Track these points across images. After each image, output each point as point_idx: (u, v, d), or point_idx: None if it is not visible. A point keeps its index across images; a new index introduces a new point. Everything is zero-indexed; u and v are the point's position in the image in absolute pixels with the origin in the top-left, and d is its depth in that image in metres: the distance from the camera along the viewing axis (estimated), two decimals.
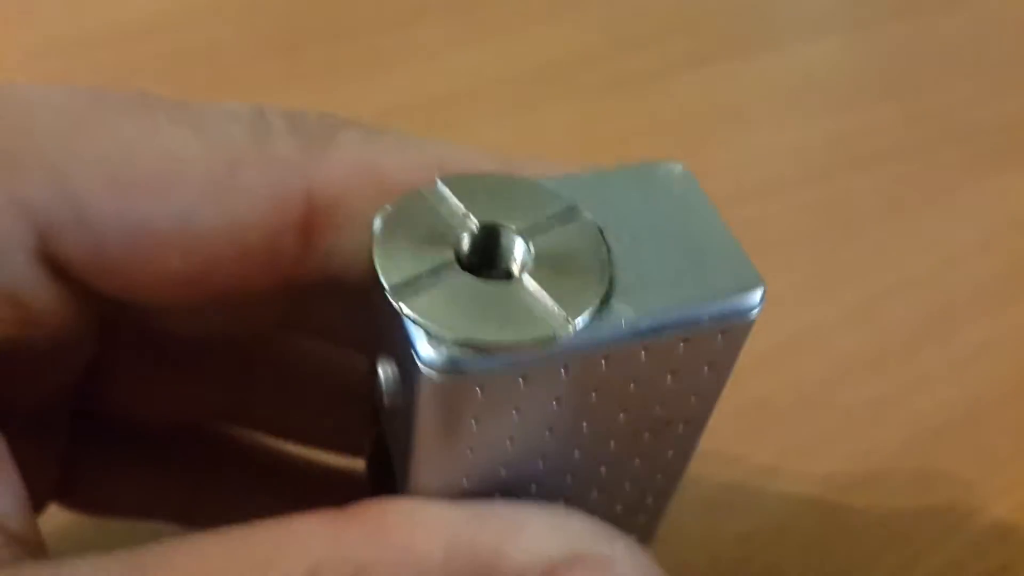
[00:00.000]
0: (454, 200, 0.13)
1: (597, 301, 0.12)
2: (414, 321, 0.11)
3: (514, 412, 0.13)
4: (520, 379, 0.12)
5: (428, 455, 0.13)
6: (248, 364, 0.19)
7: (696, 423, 0.15)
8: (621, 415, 0.14)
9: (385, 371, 0.13)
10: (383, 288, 0.12)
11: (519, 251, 0.13)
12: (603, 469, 0.15)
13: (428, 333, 0.11)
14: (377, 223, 0.13)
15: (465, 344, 0.11)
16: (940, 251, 0.31)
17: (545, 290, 0.12)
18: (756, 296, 0.13)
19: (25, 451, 0.13)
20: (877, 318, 0.28)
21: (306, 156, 0.14)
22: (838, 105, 0.37)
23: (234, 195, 0.13)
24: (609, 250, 0.13)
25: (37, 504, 0.15)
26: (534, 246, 0.12)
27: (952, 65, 0.39)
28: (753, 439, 0.24)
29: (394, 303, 0.12)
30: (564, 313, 0.12)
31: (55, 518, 0.18)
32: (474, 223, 0.13)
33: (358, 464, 0.20)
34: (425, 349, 0.11)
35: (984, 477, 0.24)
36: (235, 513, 0.19)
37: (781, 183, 0.33)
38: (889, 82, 0.38)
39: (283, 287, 0.14)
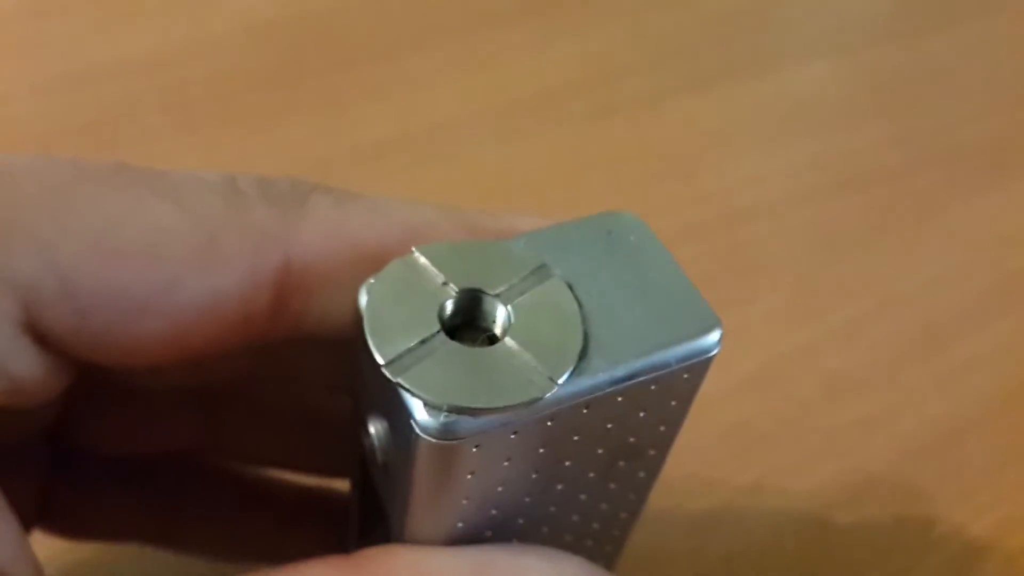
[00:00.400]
0: (432, 269, 0.14)
1: (576, 358, 0.13)
2: (411, 392, 0.12)
3: (505, 463, 0.14)
4: (511, 435, 0.13)
5: (425, 506, 0.14)
6: (219, 405, 0.19)
7: (664, 447, 0.16)
8: (600, 450, 0.15)
9: (376, 429, 0.14)
10: (377, 363, 0.13)
11: (499, 315, 0.14)
12: (583, 496, 0.16)
13: (424, 402, 0.12)
14: (363, 298, 0.13)
15: (459, 411, 0.12)
16: (925, 271, 0.31)
17: (528, 351, 0.13)
18: (715, 337, 0.14)
19: (7, 484, 0.14)
20: (862, 338, 0.29)
21: (281, 224, 0.14)
22: (826, 128, 0.38)
23: (214, 264, 0.14)
24: (581, 306, 0.14)
25: None
26: (512, 309, 0.13)
27: (938, 87, 0.40)
28: (738, 460, 0.25)
29: (392, 378, 0.12)
30: (547, 372, 0.13)
31: (37, 543, 0.19)
32: (454, 290, 0.13)
33: (335, 484, 0.21)
34: (422, 416, 0.12)
35: (965, 495, 0.25)
36: (215, 534, 0.19)
37: (769, 206, 0.34)
38: (876, 105, 0.39)
39: (255, 344, 0.15)
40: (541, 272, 0.14)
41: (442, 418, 0.12)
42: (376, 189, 0.35)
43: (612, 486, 0.17)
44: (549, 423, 0.13)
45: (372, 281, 0.14)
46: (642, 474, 0.17)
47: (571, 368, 0.13)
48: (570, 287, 0.14)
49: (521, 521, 0.15)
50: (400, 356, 0.13)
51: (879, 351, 0.29)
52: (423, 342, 0.13)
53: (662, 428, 0.16)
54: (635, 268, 0.15)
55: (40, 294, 0.13)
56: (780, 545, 0.24)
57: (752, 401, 0.27)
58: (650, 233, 0.15)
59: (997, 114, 0.38)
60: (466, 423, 0.12)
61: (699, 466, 0.24)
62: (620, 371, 0.13)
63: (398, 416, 0.13)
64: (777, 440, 0.26)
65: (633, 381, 0.14)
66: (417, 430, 0.12)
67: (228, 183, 0.14)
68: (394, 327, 0.13)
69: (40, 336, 0.13)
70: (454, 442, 0.12)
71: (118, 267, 0.13)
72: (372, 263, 0.14)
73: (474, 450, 0.13)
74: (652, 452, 0.16)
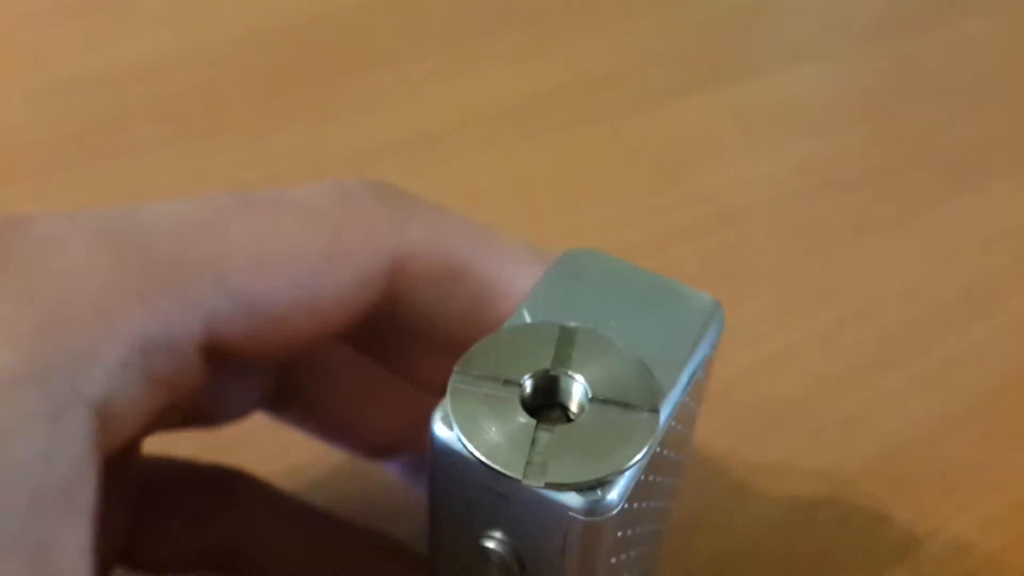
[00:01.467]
0: (488, 372, 0.14)
1: (655, 384, 0.14)
2: (561, 487, 0.13)
3: (635, 505, 0.14)
4: (641, 480, 0.14)
5: None
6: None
7: (689, 448, 0.18)
8: (661, 478, 0.16)
9: (495, 553, 0.15)
10: (513, 480, 0.13)
11: (566, 385, 0.14)
12: (651, 526, 0.17)
13: (577, 490, 0.13)
14: (443, 431, 0.14)
15: (603, 484, 0.13)
16: (907, 272, 0.32)
17: (615, 402, 0.14)
18: (719, 308, 0.16)
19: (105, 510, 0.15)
20: (846, 339, 0.29)
21: (390, 219, 0.16)
22: (810, 132, 0.38)
23: (340, 259, 0.16)
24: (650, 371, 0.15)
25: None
26: (574, 374, 0.14)
27: (922, 90, 0.40)
28: (723, 461, 0.26)
29: (537, 486, 0.13)
30: (645, 407, 0.14)
31: None
32: (522, 382, 0.14)
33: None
34: (578, 502, 0.13)
35: (947, 492, 0.26)
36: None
37: (755, 210, 0.34)
38: (861, 108, 0.40)
39: (364, 331, 0.17)
40: (571, 332, 0.15)
41: (599, 494, 0.13)
42: None
43: (663, 504, 0.18)
44: (657, 449, 0.14)
45: (442, 415, 0.14)
46: (677, 480, 0.18)
47: (658, 396, 0.14)
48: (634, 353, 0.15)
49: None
50: (528, 464, 0.13)
51: (862, 352, 0.29)
52: (533, 443, 0.14)
53: (689, 432, 0.17)
54: (623, 290, 0.16)
55: (218, 314, 0.15)
56: (765, 543, 0.24)
57: (737, 403, 0.27)
58: (614, 259, 0.17)
59: (980, 116, 0.39)
60: (611, 492, 0.13)
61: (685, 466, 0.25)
62: (684, 375, 0.15)
63: (536, 517, 0.13)
64: (763, 439, 0.26)
65: (693, 380, 0.15)
66: (581, 518, 0.13)
67: (338, 189, 0.17)
68: (493, 443, 0.14)
69: (212, 349, 0.15)
70: (608, 516, 0.13)
71: (270, 278, 0.15)
72: (455, 265, 0.17)
73: (624, 508, 0.14)
74: (683, 458, 0.17)
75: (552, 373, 0.14)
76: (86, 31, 0.42)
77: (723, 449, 0.26)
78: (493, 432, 0.14)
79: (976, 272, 0.32)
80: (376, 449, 0.22)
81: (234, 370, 0.17)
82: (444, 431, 0.14)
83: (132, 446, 0.16)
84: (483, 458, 0.13)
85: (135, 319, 0.14)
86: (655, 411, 0.14)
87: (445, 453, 0.14)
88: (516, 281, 0.17)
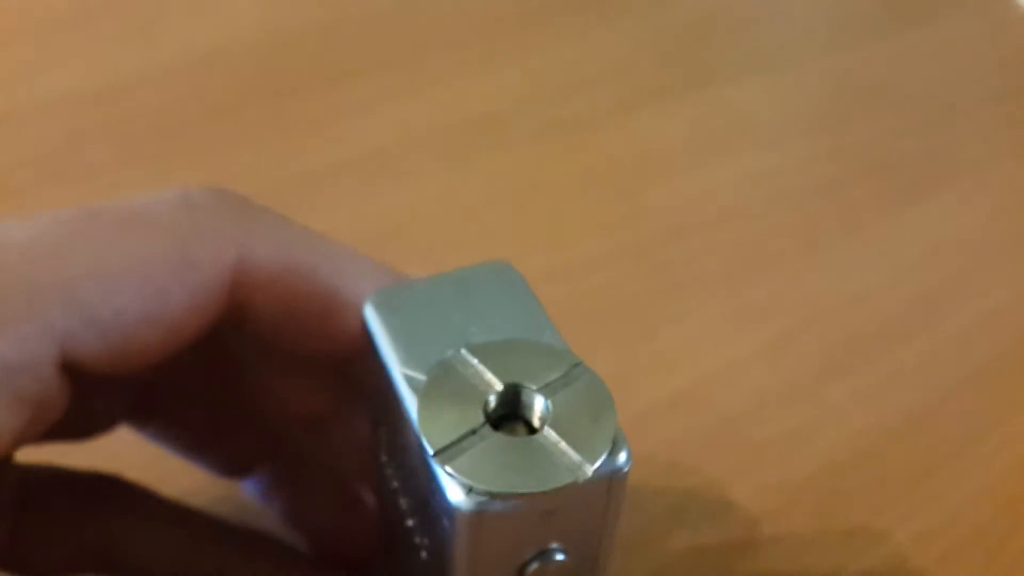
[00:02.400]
0: (480, 365, 0.15)
1: (608, 446, 0.14)
2: (456, 478, 0.13)
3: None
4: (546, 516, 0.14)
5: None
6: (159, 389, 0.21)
7: None
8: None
9: (410, 505, 0.16)
10: (427, 452, 0.14)
11: (538, 406, 0.15)
12: None
13: (469, 488, 0.13)
14: (420, 395, 0.15)
15: (500, 496, 0.13)
16: (852, 284, 0.32)
17: (566, 442, 0.14)
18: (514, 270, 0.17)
19: None
20: (789, 353, 0.30)
21: (235, 226, 0.17)
22: (759, 144, 0.39)
23: (188, 269, 0.16)
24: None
25: None
26: (551, 401, 0.14)
27: (871, 102, 0.41)
28: (663, 479, 0.26)
29: (441, 466, 0.14)
30: (582, 460, 0.14)
31: None
32: (498, 385, 0.15)
33: None
34: (459, 498, 0.13)
35: (885, 506, 0.26)
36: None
37: (703, 224, 0.34)
38: (809, 121, 0.40)
39: (205, 336, 0.18)
40: (578, 369, 0.15)
41: (482, 499, 0.13)
42: (323, 215, 0.35)
43: None
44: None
45: (425, 377, 0.15)
46: None
47: (604, 456, 0.14)
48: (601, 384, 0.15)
49: None
50: (449, 446, 0.14)
51: (805, 366, 0.29)
52: (472, 432, 0.14)
53: None
54: (450, 302, 0.16)
55: (71, 333, 0.15)
56: (704, 561, 0.24)
57: (680, 420, 0.27)
58: (409, 284, 0.17)
59: (926, 127, 0.40)
60: (504, 504, 0.13)
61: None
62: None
63: (438, 499, 0.14)
64: (702, 458, 0.27)
65: None
66: (462, 508, 0.13)
67: (183, 198, 0.17)
68: (443, 420, 0.14)
69: (70, 366, 0.16)
70: (489, 515, 0.13)
71: (118, 294, 0.16)
72: (299, 272, 0.17)
73: (504, 529, 0.14)
74: None
75: (527, 388, 0.15)
76: (38, 55, 0.41)
77: (662, 467, 0.26)
78: (448, 412, 0.14)
79: (921, 284, 0.33)
80: (230, 468, 0.22)
81: (94, 385, 0.17)
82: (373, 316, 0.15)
83: (2, 458, 0.16)
84: (419, 422, 0.14)
85: None
86: (588, 467, 0.14)
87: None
88: (360, 293, 0.17)
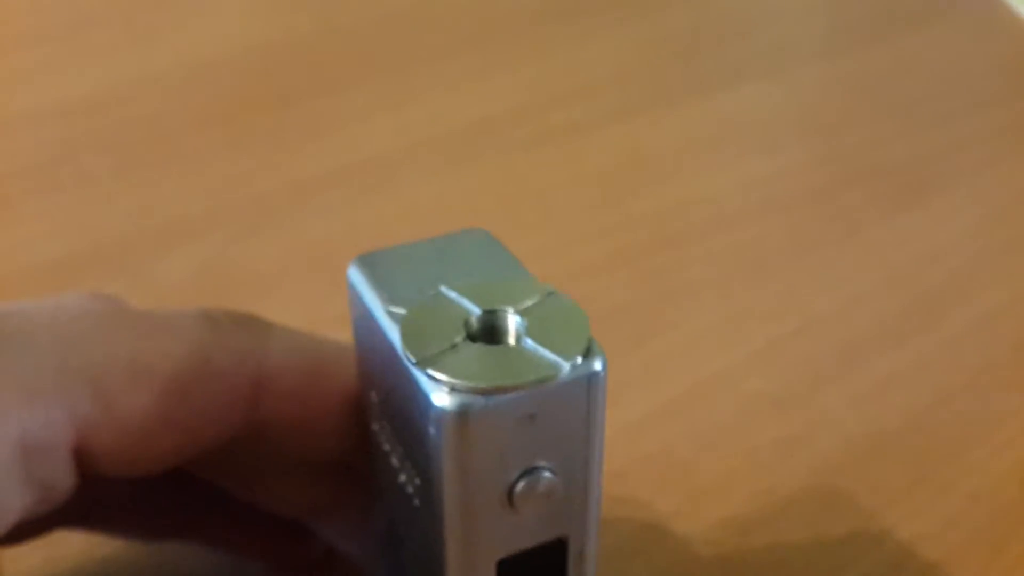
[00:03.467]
0: (459, 298, 0.15)
1: (584, 348, 0.15)
2: (437, 381, 0.14)
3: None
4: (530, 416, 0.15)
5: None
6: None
7: None
8: None
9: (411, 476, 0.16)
10: (410, 362, 0.14)
11: (515, 324, 0.15)
12: None
13: (451, 387, 0.14)
14: (400, 322, 0.15)
15: (481, 391, 0.14)
16: (845, 290, 0.32)
17: (543, 348, 0.15)
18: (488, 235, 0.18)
19: None
20: (782, 359, 0.30)
21: (253, 342, 0.18)
22: (754, 150, 0.39)
23: (211, 379, 0.17)
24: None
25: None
26: (527, 319, 0.15)
27: (864, 107, 0.41)
28: (657, 486, 0.26)
29: (421, 368, 0.14)
30: (559, 359, 0.14)
31: None
32: (477, 310, 0.15)
33: None
34: (443, 399, 0.14)
35: (881, 510, 0.26)
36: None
37: (696, 231, 0.34)
38: (803, 126, 0.40)
39: (228, 445, 0.18)
40: (552, 295, 0.16)
41: (465, 398, 0.14)
42: (316, 223, 0.35)
43: None
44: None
45: (404, 311, 0.15)
46: None
47: (579, 358, 0.14)
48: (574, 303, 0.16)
49: None
50: (431, 357, 0.14)
51: (798, 371, 0.29)
52: (452, 346, 0.14)
53: None
54: (427, 264, 0.17)
55: (93, 422, 0.16)
56: (699, 568, 0.24)
57: (673, 426, 0.27)
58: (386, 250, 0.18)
59: (919, 132, 0.40)
60: (488, 400, 0.14)
61: (618, 493, 0.25)
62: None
63: (423, 409, 0.14)
64: (696, 465, 0.26)
65: None
66: (446, 408, 0.14)
67: (204, 315, 0.18)
68: (425, 337, 0.14)
69: (82, 455, 0.16)
70: (474, 415, 0.14)
71: (144, 392, 0.16)
72: (320, 380, 0.18)
73: (490, 436, 0.14)
74: None
75: (505, 311, 0.15)
76: (30, 65, 0.42)
77: (657, 474, 0.26)
78: (429, 331, 0.15)
79: (915, 289, 0.33)
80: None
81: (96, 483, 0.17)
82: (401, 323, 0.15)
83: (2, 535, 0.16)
84: (403, 341, 0.14)
85: (16, 420, 0.15)
86: (564, 362, 0.14)
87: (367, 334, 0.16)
88: None
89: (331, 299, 0.32)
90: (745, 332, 0.30)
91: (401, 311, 0.15)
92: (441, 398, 0.14)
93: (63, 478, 0.16)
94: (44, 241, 0.34)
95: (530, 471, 0.15)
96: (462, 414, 0.14)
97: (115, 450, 0.16)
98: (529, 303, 0.15)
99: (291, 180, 0.37)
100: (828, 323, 0.31)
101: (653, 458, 0.26)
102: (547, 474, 0.15)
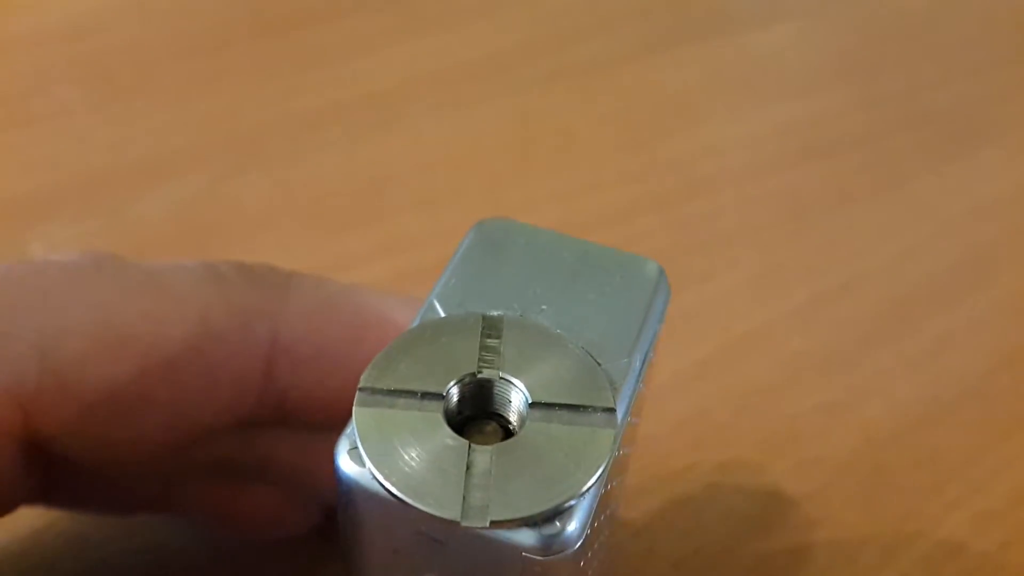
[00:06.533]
0: (398, 389, 0.12)
1: (603, 379, 0.12)
2: (508, 523, 0.10)
3: (596, 524, 0.12)
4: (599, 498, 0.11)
5: None
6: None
7: (642, 410, 0.15)
8: (616, 482, 0.14)
9: None
10: (451, 522, 0.10)
11: (515, 399, 0.12)
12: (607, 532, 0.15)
13: (527, 525, 0.10)
14: (347, 464, 0.11)
15: (552, 515, 0.11)
16: (894, 243, 0.29)
17: (562, 408, 0.11)
18: (663, 281, 0.14)
19: None
20: (827, 317, 0.27)
21: (268, 302, 0.14)
22: (791, 93, 0.35)
23: (208, 344, 0.14)
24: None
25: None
26: (506, 373, 0.12)
27: (910, 49, 0.38)
28: (692, 453, 0.23)
29: (481, 527, 0.10)
30: (599, 408, 0.11)
31: None
32: (444, 392, 0.12)
33: None
34: (531, 540, 0.10)
35: (938, 486, 0.23)
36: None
37: (729, 177, 0.31)
38: (844, 67, 0.37)
39: (240, 425, 0.15)
40: (495, 323, 0.12)
41: (557, 526, 0.10)
42: (310, 163, 0.32)
43: (619, 480, 0.15)
44: (618, 452, 0.12)
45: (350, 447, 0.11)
46: (629, 450, 0.16)
47: (609, 391, 0.12)
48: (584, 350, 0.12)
49: None
50: (465, 501, 0.11)
51: (844, 330, 0.27)
52: (468, 471, 0.11)
53: (642, 411, 0.15)
54: (551, 265, 0.13)
55: (41, 398, 0.13)
56: (736, 547, 0.21)
57: (709, 387, 0.25)
58: (530, 227, 0.14)
59: (968, 77, 0.37)
60: (571, 522, 0.11)
61: (649, 460, 0.22)
62: (637, 360, 0.12)
63: (483, 566, 0.11)
64: (735, 430, 0.24)
65: (646, 363, 0.13)
66: (539, 557, 0.10)
67: (209, 268, 0.15)
68: (418, 476, 0.11)
69: (36, 443, 0.13)
70: (571, 550, 0.11)
71: (118, 360, 0.13)
72: (351, 343, 0.14)
73: (587, 534, 0.11)
74: (636, 421, 0.15)
75: (481, 377, 0.12)
76: None
77: (691, 440, 0.23)
78: (416, 461, 0.11)
79: (968, 243, 0.30)
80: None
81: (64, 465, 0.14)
82: (352, 467, 0.11)
83: None
84: (408, 498, 0.10)
85: None
86: (610, 410, 0.11)
87: (357, 493, 0.11)
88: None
89: (326, 245, 0.30)
90: (784, 287, 0.28)
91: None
92: (528, 538, 0.11)
93: (7, 468, 0.13)
94: (11, 177, 0.31)
95: None
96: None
97: (77, 433, 0.13)
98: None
99: (283, 115, 0.34)
100: (874, 279, 0.28)
101: (685, 423, 0.24)
102: None
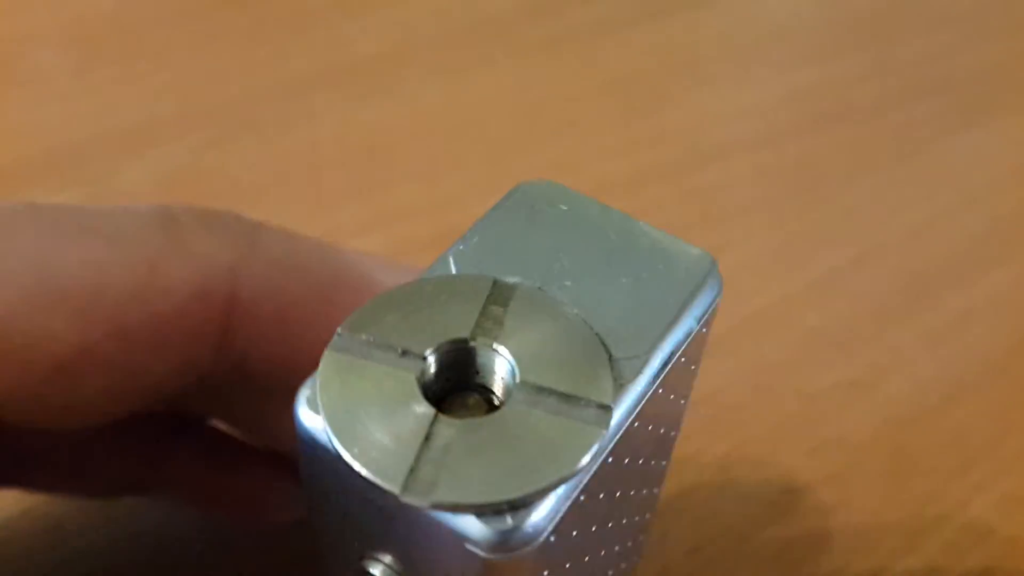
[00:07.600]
0: (381, 341, 0.11)
1: (610, 373, 0.10)
2: (456, 508, 0.09)
3: (573, 533, 0.11)
4: (580, 500, 0.10)
5: None
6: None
7: (679, 421, 0.14)
8: (640, 460, 0.13)
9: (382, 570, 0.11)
10: (392, 495, 0.09)
11: (489, 362, 0.11)
12: (625, 520, 0.14)
13: (477, 513, 0.09)
14: (307, 417, 0.10)
15: (517, 504, 0.09)
16: (911, 215, 0.28)
17: (550, 392, 0.10)
18: (716, 274, 0.12)
19: None
20: (844, 291, 0.26)
21: (228, 253, 0.13)
22: (803, 58, 0.34)
23: (157, 295, 0.13)
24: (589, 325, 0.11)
25: None
26: (503, 347, 0.10)
27: (927, 13, 0.37)
28: (707, 433, 0.22)
29: (422, 505, 0.09)
30: (593, 402, 0.10)
31: None
32: (423, 355, 0.10)
33: None
34: (481, 532, 0.09)
35: (963, 469, 0.22)
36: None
37: (740, 145, 0.30)
38: (858, 33, 0.36)
39: (195, 383, 0.14)
40: (505, 291, 0.11)
41: (508, 521, 0.09)
42: (302, 130, 0.31)
43: (644, 491, 0.14)
44: (610, 459, 0.11)
45: (308, 394, 0.10)
46: (664, 463, 0.15)
47: (611, 386, 0.10)
48: (580, 314, 0.11)
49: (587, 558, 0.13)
50: (411, 473, 0.09)
51: (862, 305, 0.25)
52: (426, 442, 0.10)
53: (682, 402, 0.13)
54: (588, 239, 0.12)
55: None
56: (753, 533, 0.20)
57: (722, 365, 0.23)
58: (576, 194, 0.13)
59: (986, 43, 0.35)
60: (529, 519, 0.09)
61: None
62: (657, 358, 0.11)
63: (428, 544, 0.10)
64: (750, 409, 0.23)
65: (669, 365, 0.11)
66: (481, 552, 0.09)
67: (163, 213, 0.13)
68: (374, 440, 0.10)
69: None
70: (524, 551, 0.09)
71: (55, 312, 0.12)
72: (322, 304, 0.13)
73: (550, 541, 0.10)
74: (673, 433, 0.14)
75: (470, 344, 0.10)
76: None
77: (705, 420, 0.22)
78: (374, 421, 0.10)
79: (989, 214, 0.29)
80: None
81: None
82: (311, 418, 0.10)
83: None
84: (350, 458, 0.09)
85: None
86: (604, 408, 0.10)
87: (312, 448, 0.10)
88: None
89: (319, 216, 0.28)
90: (799, 260, 0.26)
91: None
92: (476, 529, 0.09)
93: None
94: None
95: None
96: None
97: (13, 394, 0.12)
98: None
99: (273, 81, 0.32)
100: (892, 251, 0.27)
101: (697, 403, 0.22)
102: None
